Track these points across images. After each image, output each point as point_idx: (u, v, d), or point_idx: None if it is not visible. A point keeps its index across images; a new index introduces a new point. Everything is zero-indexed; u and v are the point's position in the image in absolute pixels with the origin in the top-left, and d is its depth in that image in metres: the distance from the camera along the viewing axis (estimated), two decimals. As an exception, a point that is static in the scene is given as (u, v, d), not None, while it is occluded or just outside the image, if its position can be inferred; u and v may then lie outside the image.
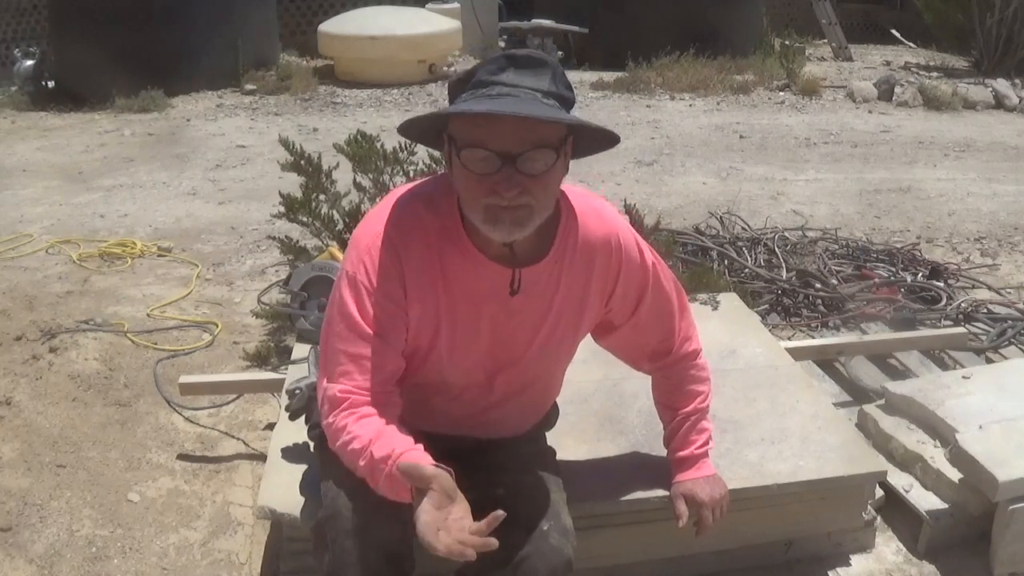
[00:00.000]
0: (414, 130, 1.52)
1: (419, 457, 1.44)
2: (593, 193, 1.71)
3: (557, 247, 1.58)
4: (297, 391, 1.98)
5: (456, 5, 9.35)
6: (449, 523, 1.35)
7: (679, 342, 1.81)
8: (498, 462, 1.70)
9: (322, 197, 3.30)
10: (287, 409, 2.01)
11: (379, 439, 1.47)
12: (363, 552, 1.49)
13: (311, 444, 1.92)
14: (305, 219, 3.29)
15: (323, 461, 1.66)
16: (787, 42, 9.36)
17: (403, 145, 3.26)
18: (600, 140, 1.54)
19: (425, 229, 1.54)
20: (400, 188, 1.63)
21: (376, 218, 1.57)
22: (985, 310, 3.53)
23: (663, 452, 1.91)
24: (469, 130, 1.41)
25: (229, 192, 5.17)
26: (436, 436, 1.63)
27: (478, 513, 1.42)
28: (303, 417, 1.96)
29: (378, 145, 3.32)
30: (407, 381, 1.63)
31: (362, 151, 3.28)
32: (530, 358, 1.66)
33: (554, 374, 1.79)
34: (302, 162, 3.29)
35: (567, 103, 1.45)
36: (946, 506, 2.19)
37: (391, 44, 8.16)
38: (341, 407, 1.52)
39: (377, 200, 3.18)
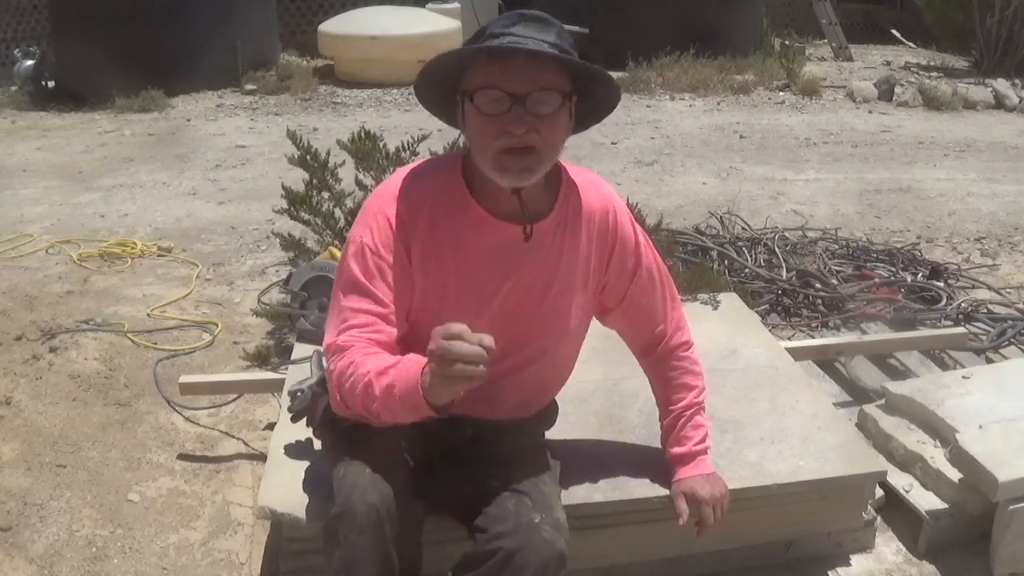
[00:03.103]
0: (429, 89, 1.59)
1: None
2: (589, 170, 1.79)
3: (559, 207, 1.66)
4: (299, 393, 1.96)
5: (456, 5, 9.34)
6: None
7: (671, 331, 1.85)
8: (493, 455, 1.71)
9: (326, 195, 3.30)
10: (289, 411, 2.00)
11: (396, 366, 1.49)
12: (375, 549, 1.49)
13: (315, 443, 1.93)
14: (307, 216, 3.29)
15: (332, 459, 1.66)
16: (787, 42, 9.37)
17: (405, 144, 3.26)
18: (603, 99, 1.61)
19: (433, 198, 1.61)
20: (408, 165, 1.70)
21: (384, 190, 1.64)
22: (985, 310, 3.53)
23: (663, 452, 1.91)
24: (482, 75, 1.50)
25: (229, 192, 5.17)
26: (435, 424, 1.63)
27: (472, 508, 1.45)
28: (304, 420, 1.96)
29: (380, 144, 3.32)
30: (415, 350, 1.63)
31: (365, 148, 3.28)
32: (537, 326, 1.70)
33: (561, 350, 1.80)
34: (308, 157, 3.29)
35: None
36: (946, 506, 2.19)
37: (391, 44, 8.16)
38: (346, 350, 1.56)
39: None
